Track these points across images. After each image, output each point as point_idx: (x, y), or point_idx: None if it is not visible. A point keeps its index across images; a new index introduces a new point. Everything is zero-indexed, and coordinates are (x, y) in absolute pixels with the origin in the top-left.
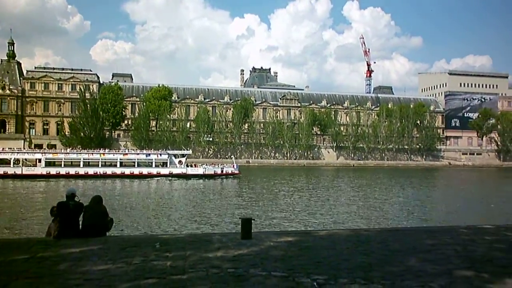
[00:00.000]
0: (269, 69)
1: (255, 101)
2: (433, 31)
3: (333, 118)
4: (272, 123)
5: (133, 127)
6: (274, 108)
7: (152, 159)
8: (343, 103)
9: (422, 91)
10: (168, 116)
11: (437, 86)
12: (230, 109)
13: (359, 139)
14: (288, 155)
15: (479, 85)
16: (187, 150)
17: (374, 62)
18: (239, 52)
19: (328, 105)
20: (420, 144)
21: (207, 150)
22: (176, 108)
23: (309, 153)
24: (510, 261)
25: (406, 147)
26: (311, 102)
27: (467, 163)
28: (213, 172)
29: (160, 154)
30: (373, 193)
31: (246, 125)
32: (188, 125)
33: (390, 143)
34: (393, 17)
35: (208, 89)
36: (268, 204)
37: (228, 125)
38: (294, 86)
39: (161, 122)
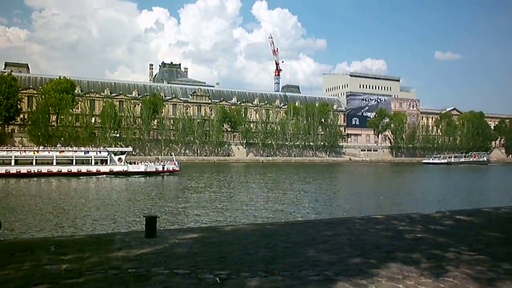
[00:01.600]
0: (179, 64)
1: (165, 96)
2: (336, 34)
3: (243, 115)
4: (183, 119)
5: (30, 122)
6: (185, 104)
7: (91, 157)
8: (253, 101)
9: (326, 91)
10: (70, 110)
11: (339, 86)
12: (139, 104)
13: (268, 136)
14: (199, 151)
15: (376, 87)
16: (128, 147)
17: (282, 62)
18: (147, 46)
19: (239, 102)
20: (324, 141)
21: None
22: (79, 102)
23: (219, 149)
24: (394, 247)
25: (312, 144)
26: (222, 99)
27: (365, 158)
28: (154, 169)
29: (100, 151)
30: (280, 188)
31: (155, 121)
32: (93, 120)
33: (297, 140)
34: (299, 19)
35: (114, 83)
36: (185, 201)
37: (137, 121)
38: (205, 83)
39: (62, 117)
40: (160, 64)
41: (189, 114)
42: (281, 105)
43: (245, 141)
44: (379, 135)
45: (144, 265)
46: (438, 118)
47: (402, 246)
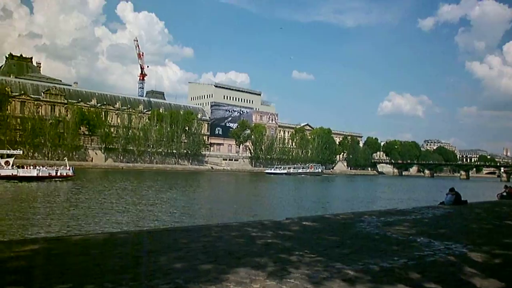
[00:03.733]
0: (31, 58)
1: (12, 92)
2: (203, 44)
3: (103, 118)
4: (32, 119)
5: None
6: (36, 102)
7: None
8: (115, 104)
9: (191, 99)
10: None
11: (204, 96)
12: None
13: (129, 141)
14: (50, 155)
15: (239, 99)
16: (17, 150)
17: (148, 67)
18: None
19: (99, 104)
20: (187, 149)
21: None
22: None
23: (74, 153)
24: (246, 252)
25: (175, 151)
26: (80, 99)
27: (226, 167)
28: (47, 174)
29: None
30: (138, 196)
31: None
32: None
33: (159, 147)
34: (166, 25)
35: None
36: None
37: None
38: (61, 81)
39: None
40: (7, 56)
41: (40, 113)
42: (145, 110)
43: (104, 146)
44: (241, 146)
45: None
46: (294, 132)
47: (253, 251)
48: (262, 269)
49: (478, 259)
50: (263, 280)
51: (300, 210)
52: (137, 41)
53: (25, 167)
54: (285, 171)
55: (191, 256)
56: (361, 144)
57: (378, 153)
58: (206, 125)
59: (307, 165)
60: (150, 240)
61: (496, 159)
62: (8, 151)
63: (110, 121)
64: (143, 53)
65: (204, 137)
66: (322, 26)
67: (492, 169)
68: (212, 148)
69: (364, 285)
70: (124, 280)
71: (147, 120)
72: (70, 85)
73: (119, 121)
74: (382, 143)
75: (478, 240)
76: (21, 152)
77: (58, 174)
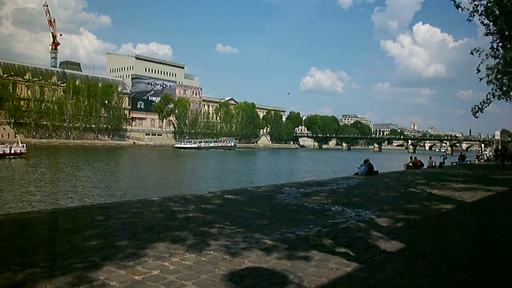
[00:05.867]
0: None
1: None
2: (121, 13)
3: (11, 90)
4: None
5: None
6: None
7: None
8: (24, 75)
9: (110, 71)
10: None
11: (125, 68)
12: None
13: (42, 116)
14: None
15: (161, 72)
16: None
17: (61, 35)
18: None
19: (5, 75)
20: (107, 124)
21: None
22: None
23: None
24: (166, 227)
25: (94, 126)
26: None
27: (149, 143)
28: (1, 152)
29: None
30: (54, 173)
31: None
32: None
33: (77, 122)
34: None
35: None
36: None
37: None
38: None
39: None
40: None
41: None
42: (59, 82)
43: (13, 121)
44: (164, 120)
45: None
46: (218, 106)
47: (174, 226)
48: (182, 243)
49: (383, 224)
50: (183, 253)
51: (224, 183)
52: (47, 6)
53: None
54: (195, 145)
55: (109, 233)
56: (284, 119)
57: (300, 127)
58: (127, 98)
59: (219, 139)
60: (65, 219)
61: (405, 133)
62: None
63: (19, 94)
64: (54, 19)
65: (125, 111)
66: None
67: (401, 141)
68: (134, 122)
69: (280, 253)
70: (34, 261)
71: (62, 93)
72: None
73: (29, 93)
74: (304, 118)
75: (385, 206)
76: None
77: (12, 151)
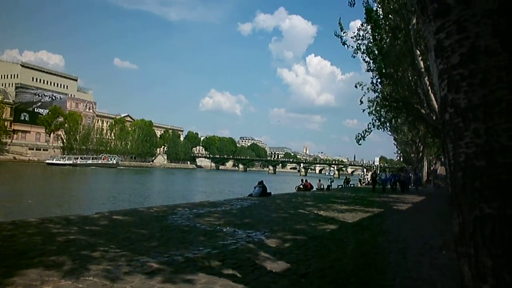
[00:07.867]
0: None
1: None
2: (5, 15)
3: None
4: None
5: None
6: None
7: None
8: None
9: None
10: None
11: (8, 76)
12: None
13: None
14: None
15: (51, 83)
16: None
17: None
18: None
19: None
20: None
21: None
22: None
23: None
24: (40, 252)
25: None
26: None
27: (32, 158)
28: None
29: None
30: None
31: None
32: None
33: None
34: None
35: None
36: None
37: None
38: None
39: None
40: None
41: None
42: None
43: None
44: (51, 134)
45: None
46: (113, 122)
47: (51, 249)
48: (58, 268)
49: (272, 245)
50: (58, 280)
51: (115, 204)
52: None
53: None
54: (70, 161)
55: None
56: (182, 138)
57: (198, 147)
58: (9, 109)
59: (99, 156)
60: None
61: (298, 156)
62: None
63: None
64: None
65: (5, 123)
66: (147, 16)
67: (295, 164)
68: (15, 135)
69: (165, 276)
70: None
71: None
72: None
73: None
74: (202, 138)
75: (275, 227)
76: None
77: None
